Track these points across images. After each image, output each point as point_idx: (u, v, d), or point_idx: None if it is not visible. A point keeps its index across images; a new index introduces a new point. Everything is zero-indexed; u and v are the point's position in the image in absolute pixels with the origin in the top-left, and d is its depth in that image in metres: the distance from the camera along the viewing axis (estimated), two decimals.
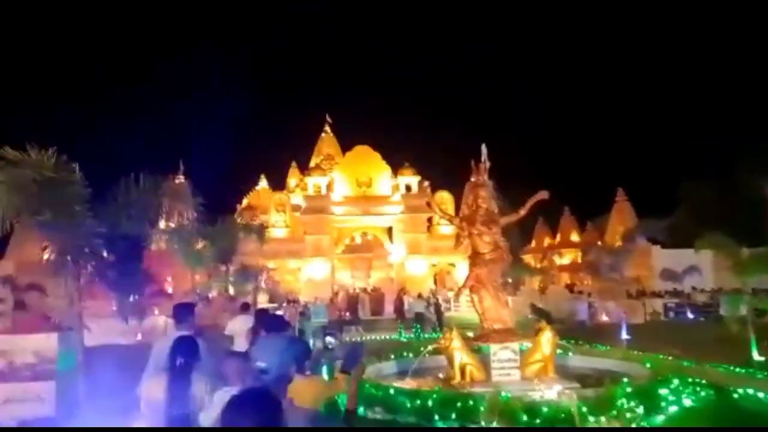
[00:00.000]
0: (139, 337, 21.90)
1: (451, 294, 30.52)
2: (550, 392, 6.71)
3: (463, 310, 29.55)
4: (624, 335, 15.41)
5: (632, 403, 6.53)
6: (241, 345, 6.46)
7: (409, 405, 7.11)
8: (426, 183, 9.84)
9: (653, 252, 34.19)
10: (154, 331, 22.32)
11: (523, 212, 9.40)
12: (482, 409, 6.61)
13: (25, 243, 21.80)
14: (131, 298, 20.78)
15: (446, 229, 35.90)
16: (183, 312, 4.72)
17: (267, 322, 4.79)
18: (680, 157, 67.12)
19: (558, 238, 48.69)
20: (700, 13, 73.93)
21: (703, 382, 8.21)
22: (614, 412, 6.42)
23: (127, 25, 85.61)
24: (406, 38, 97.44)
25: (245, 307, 10.46)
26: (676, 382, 7.53)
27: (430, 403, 6.89)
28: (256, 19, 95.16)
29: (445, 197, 35.75)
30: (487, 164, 9.38)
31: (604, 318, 25.72)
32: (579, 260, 45.22)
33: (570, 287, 34.75)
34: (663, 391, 7.07)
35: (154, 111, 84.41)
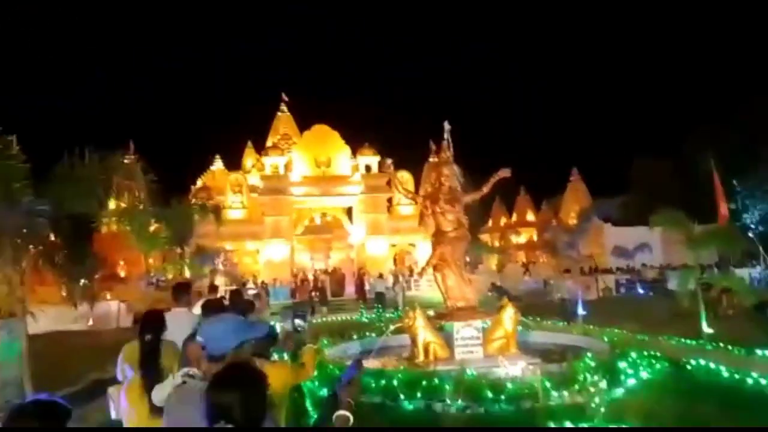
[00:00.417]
0: (91, 322, 21.13)
1: (410, 274, 30.76)
2: (514, 369, 6.75)
3: (423, 289, 29.81)
4: (580, 311, 15.79)
5: (595, 377, 6.63)
6: None
7: (374, 385, 7.02)
8: (389, 160, 9.60)
9: (605, 230, 35.25)
10: (107, 317, 21.62)
11: (485, 190, 9.37)
12: (447, 387, 6.58)
13: None
14: (81, 283, 19.96)
15: (406, 209, 35.95)
16: (179, 291, 4.95)
17: (209, 305, 4.50)
18: (631, 136, 69.21)
19: (514, 217, 49.66)
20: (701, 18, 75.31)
21: (658, 354, 8.45)
22: (577, 387, 6.51)
23: None
24: (366, 14, 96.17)
25: (213, 289, 10.19)
26: (633, 355, 7.71)
27: (395, 382, 6.82)
28: (253, 15, 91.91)
29: (405, 177, 35.66)
30: (450, 142, 9.27)
31: (559, 295, 26.40)
32: (535, 239, 46.36)
33: (526, 265, 35.59)
34: (622, 365, 7.22)
35: (103, 84, 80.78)
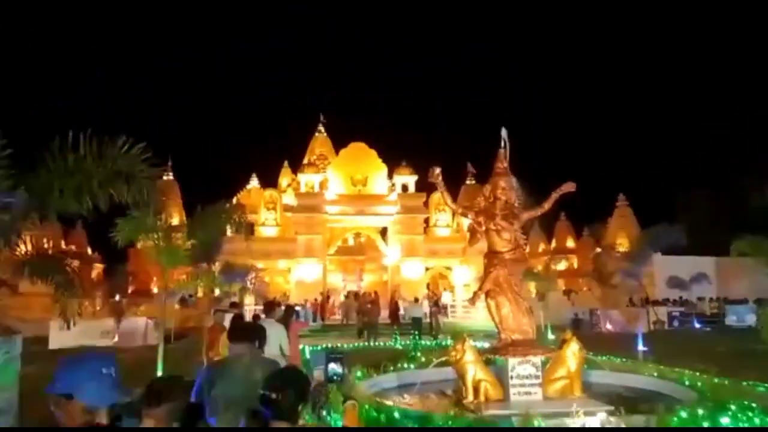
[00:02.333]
0: (117, 339, 20.57)
1: (445, 299, 29.39)
2: (592, 420, 5.53)
3: (459, 315, 28.42)
4: (641, 347, 14.23)
5: None
6: None
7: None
8: (438, 169, 8.55)
9: (654, 259, 33.30)
10: (134, 334, 21.06)
11: (547, 206, 8.18)
12: None
13: None
14: (116, 298, 19.43)
15: (443, 231, 34.76)
16: (269, 307, 7.43)
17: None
18: (674, 165, 66.62)
19: (554, 243, 47.86)
20: (702, 19, 73.50)
21: (755, 406, 7.03)
22: None
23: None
24: (405, 37, 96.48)
25: (234, 306, 9.96)
26: (733, 408, 6.34)
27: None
28: (253, 15, 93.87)
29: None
30: (508, 149, 8.17)
31: (608, 326, 24.68)
32: (575, 266, 44.40)
33: (568, 293, 33.78)
34: (724, 420, 5.88)
35: (143, 105, 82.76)
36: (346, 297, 30.49)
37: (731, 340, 19.14)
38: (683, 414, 5.58)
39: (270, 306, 8.58)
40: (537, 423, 5.37)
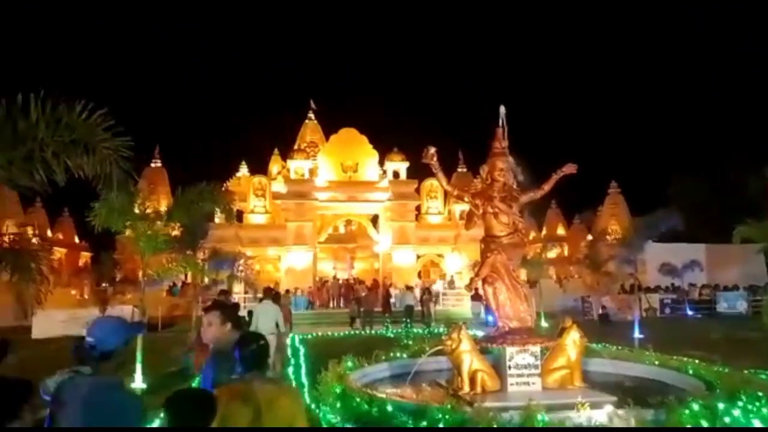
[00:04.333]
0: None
1: (436, 286, 29.08)
2: (599, 414, 5.19)
3: (450, 303, 28.13)
4: (637, 334, 14.01)
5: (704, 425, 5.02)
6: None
7: (412, 425, 5.51)
8: (433, 149, 8.11)
9: (646, 246, 33.09)
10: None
11: (546, 188, 7.81)
12: None
13: None
14: (102, 286, 18.77)
15: (435, 218, 34.38)
16: (268, 292, 10.19)
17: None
18: (666, 152, 66.62)
19: (544, 231, 47.74)
20: (697, 8, 73.23)
21: (761, 395, 6.73)
22: None
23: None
24: (395, 22, 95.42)
25: (223, 293, 10.63)
26: (743, 397, 6.03)
27: (441, 425, 5.29)
28: (241, 3, 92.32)
29: (434, 185, 34.18)
30: (506, 129, 7.75)
31: (600, 314, 24.48)
32: (565, 254, 44.31)
33: (560, 281, 33.59)
34: (735, 413, 5.57)
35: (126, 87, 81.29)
36: (334, 278, 30.75)
37: (724, 327, 19.03)
38: (695, 406, 5.26)
39: (268, 291, 10.85)
40: (540, 417, 5.03)
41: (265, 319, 9.41)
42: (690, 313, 25.44)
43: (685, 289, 27.53)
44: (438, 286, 28.49)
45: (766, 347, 12.51)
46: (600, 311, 24.08)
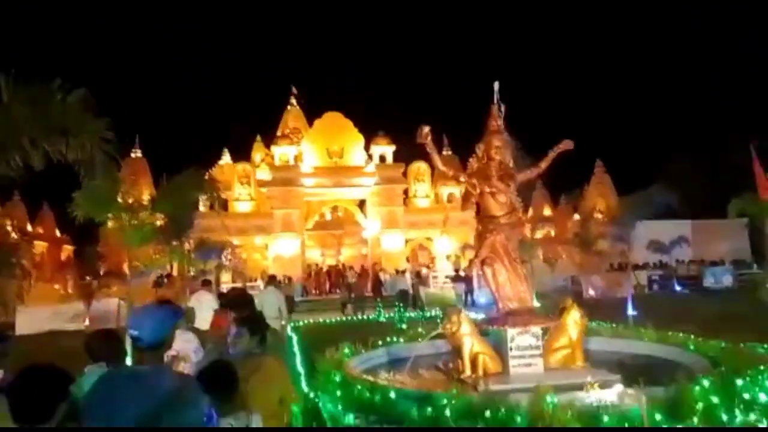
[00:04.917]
0: (87, 322, 19.64)
1: (425, 270, 29.05)
2: (609, 393, 5.07)
3: (439, 286, 28.12)
4: (630, 311, 14.03)
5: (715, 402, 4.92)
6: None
7: (417, 413, 5.35)
8: (427, 127, 7.85)
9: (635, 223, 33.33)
10: (106, 316, 20.13)
11: (544, 165, 7.64)
12: (519, 420, 4.91)
13: None
14: (86, 280, 18.43)
15: (423, 201, 34.24)
16: (271, 279, 11.49)
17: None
18: (653, 133, 67.07)
19: (530, 212, 47.93)
20: None
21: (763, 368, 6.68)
22: (696, 420, 4.80)
23: None
24: (377, 3, 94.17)
25: (206, 284, 10.33)
26: (749, 372, 5.97)
27: (447, 412, 5.13)
28: None
29: (422, 168, 33.98)
30: (502, 105, 7.55)
31: (590, 293, 24.67)
32: (552, 234, 44.53)
33: (548, 261, 33.72)
34: (740, 383, 5.49)
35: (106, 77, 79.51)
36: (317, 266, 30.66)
37: (712, 301, 19.21)
38: (705, 383, 5.16)
39: (272, 279, 11.80)
40: (550, 399, 4.89)
41: (269, 306, 9.48)
42: (678, 288, 25.70)
43: (673, 265, 27.78)
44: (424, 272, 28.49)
45: (757, 320, 12.63)
46: (589, 290, 24.23)
